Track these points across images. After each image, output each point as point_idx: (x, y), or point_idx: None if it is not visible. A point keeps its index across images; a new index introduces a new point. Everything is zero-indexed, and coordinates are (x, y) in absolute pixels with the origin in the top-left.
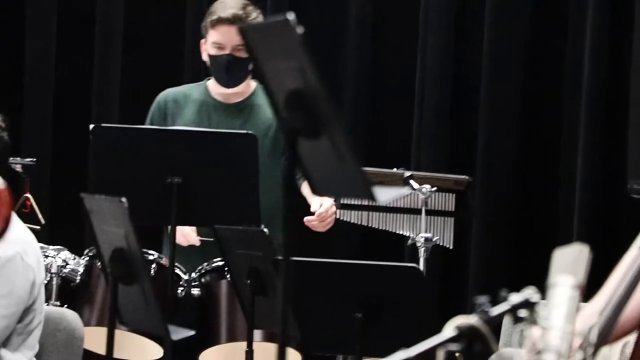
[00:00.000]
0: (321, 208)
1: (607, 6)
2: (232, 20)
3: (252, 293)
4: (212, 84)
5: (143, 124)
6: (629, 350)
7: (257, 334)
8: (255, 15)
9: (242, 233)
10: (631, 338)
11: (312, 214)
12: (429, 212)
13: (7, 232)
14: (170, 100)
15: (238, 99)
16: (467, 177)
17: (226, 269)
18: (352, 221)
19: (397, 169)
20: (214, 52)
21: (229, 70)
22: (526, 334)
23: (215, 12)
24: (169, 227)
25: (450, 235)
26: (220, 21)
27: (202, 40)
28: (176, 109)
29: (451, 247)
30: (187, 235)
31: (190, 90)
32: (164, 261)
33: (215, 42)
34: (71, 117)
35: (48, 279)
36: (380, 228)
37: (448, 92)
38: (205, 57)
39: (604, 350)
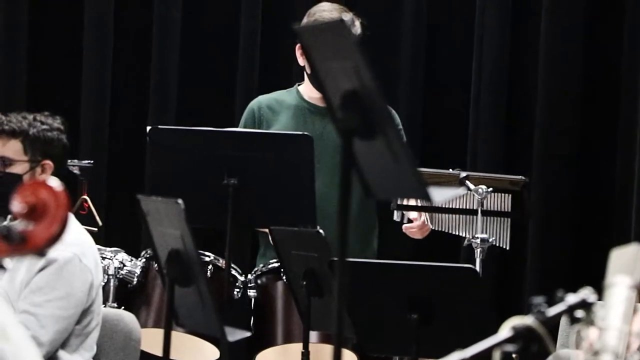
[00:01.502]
0: (422, 217)
1: None
2: None
3: (308, 294)
4: (304, 89)
5: (199, 125)
6: None
7: (313, 335)
8: (357, 25)
9: (298, 234)
10: None
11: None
12: (485, 213)
13: (64, 233)
14: (264, 106)
15: None
16: (523, 178)
17: (282, 270)
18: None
19: (453, 169)
20: None
21: None
22: (584, 335)
23: (318, 18)
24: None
25: (507, 236)
26: None
27: (299, 45)
28: (271, 115)
29: (507, 248)
30: None
31: (281, 96)
32: (220, 263)
33: None
34: (128, 119)
35: (105, 280)
36: (436, 229)
37: (504, 91)
38: (302, 62)
39: None
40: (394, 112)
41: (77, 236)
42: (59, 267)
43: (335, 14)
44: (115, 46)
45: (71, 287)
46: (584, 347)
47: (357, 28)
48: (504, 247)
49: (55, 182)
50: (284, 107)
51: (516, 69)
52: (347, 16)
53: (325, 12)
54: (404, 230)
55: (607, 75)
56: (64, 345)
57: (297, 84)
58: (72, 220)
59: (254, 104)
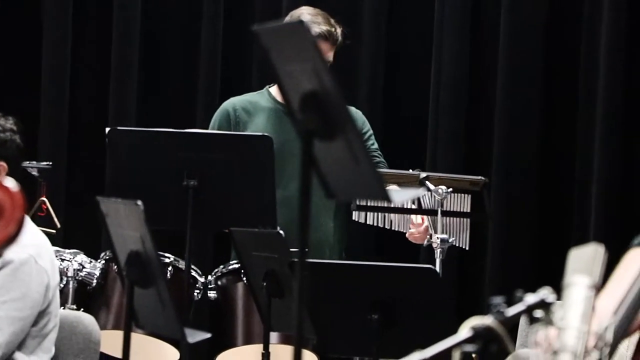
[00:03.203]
0: (425, 222)
1: (624, 7)
2: (327, 37)
3: (269, 295)
4: (276, 91)
5: (159, 126)
6: (630, 352)
7: (274, 336)
8: (339, 32)
9: (259, 235)
10: (634, 339)
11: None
12: (445, 213)
13: (20, 234)
14: (239, 108)
15: None
16: (483, 178)
17: (242, 271)
18: (367, 223)
19: (413, 170)
20: None
21: None
22: (537, 334)
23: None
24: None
25: (467, 236)
26: (316, 36)
27: None
28: (246, 117)
29: (467, 248)
30: None
31: (254, 98)
32: (180, 264)
33: None
34: (87, 121)
35: (64, 282)
36: (396, 229)
37: (464, 92)
38: None
39: (621, 350)
40: (363, 116)
41: (33, 237)
42: (15, 268)
43: (326, 27)
44: (75, 47)
45: (27, 288)
46: (540, 346)
47: (339, 36)
48: (464, 247)
49: (11, 183)
50: (258, 109)
51: (476, 70)
52: (330, 21)
53: (312, 22)
54: (407, 237)
55: (566, 77)
56: (20, 347)
57: (267, 86)
58: (28, 222)
59: (228, 105)
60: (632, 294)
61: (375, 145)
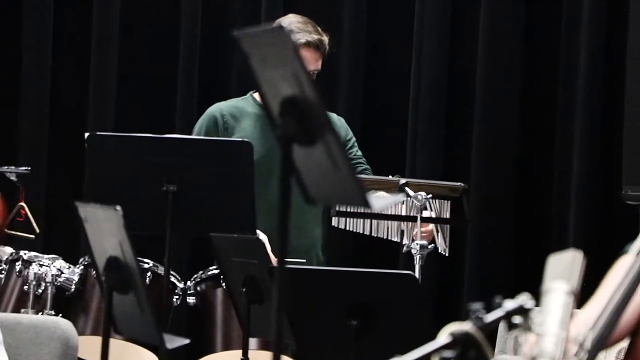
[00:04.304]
0: (430, 225)
1: (602, 13)
2: (318, 46)
3: (248, 301)
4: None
5: (138, 132)
6: (622, 356)
7: (253, 342)
8: (326, 40)
9: (238, 241)
10: (625, 344)
11: None
12: (425, 219)
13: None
14: (227, 114)
15: None
16: (462, 184)
17: (222, 277)
18: (347, 228)
19: (392, 176)
20: None
21: None
22: (522, 341)
23: (298, 33)
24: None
25: (446, 243)
26: (308, 45)
27: None
28: (233, 122)
29: (446, 254)
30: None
31: (240, 104)
32: (160, 269)
33: None
34: (67, 126)
35: (43, 288)
36: (375, 235)
37: (443, 98)
38: None
39: (600, 357)
40: (345, 124)
41: None
42: None
43: (317, 36)
44: (55, 52)
45: None
46: (522, 352)
47: (326, 45)
48: (443, 253)
49: None
50: (244, 114)
51: (455, 76)
52: (318, 29)
53: (302, 30)
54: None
55: (546, 81)
56: None
57: (250, 92)
58: None
59: (215, 110)
60: (613, 303)
61: (360, 153)
